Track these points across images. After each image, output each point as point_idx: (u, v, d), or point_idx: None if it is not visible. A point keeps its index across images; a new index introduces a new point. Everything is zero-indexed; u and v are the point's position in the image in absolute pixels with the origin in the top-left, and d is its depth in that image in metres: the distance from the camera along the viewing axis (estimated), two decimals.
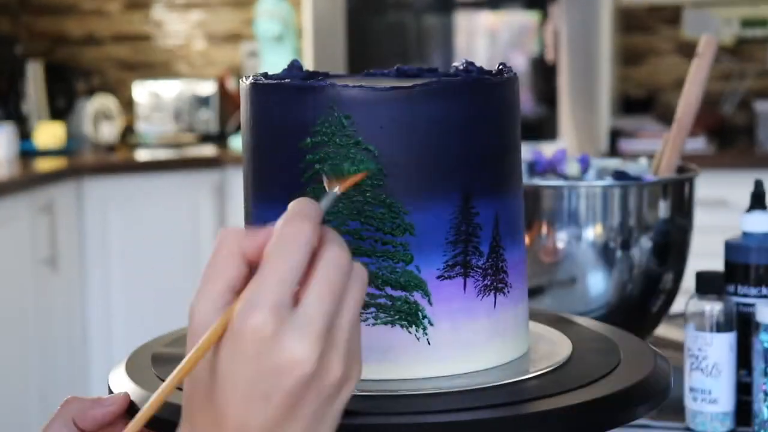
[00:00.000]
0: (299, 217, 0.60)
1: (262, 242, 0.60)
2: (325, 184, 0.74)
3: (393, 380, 0.76)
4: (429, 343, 0.76)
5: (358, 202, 0.75)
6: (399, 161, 0.75)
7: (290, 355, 0.57)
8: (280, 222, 0.60)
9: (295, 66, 0.83)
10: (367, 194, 0.75)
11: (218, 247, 0.61)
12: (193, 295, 0.60)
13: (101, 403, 0.78)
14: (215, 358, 0.59)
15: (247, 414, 0.58)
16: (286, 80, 0.78)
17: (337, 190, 0.73)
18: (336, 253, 0.60)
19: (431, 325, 0.76)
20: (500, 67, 0.82)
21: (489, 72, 0.82)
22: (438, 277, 0.76)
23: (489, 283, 0.78)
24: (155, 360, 0.83)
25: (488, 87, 0.77)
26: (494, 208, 0.78)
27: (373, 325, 0.76)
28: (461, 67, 0.83)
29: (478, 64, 0.83)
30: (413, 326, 0.76)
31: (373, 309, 0.76)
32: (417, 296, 0.76)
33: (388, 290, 0.75)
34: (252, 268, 0.61)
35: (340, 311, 0.60)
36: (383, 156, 0.74)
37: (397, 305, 0.75)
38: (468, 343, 0.77)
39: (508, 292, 0.79)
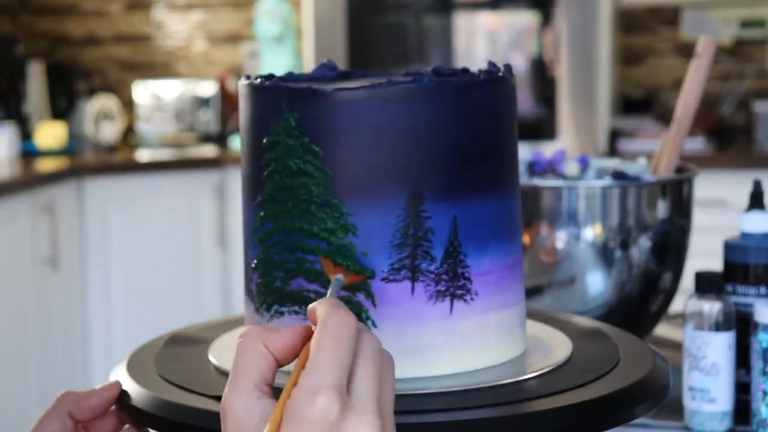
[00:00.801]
0: (342, 308, 0.63)
1: (284, 339, 0.64)
2: (326, 269, 0.76)
3: None
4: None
5: (305, 202, 0.76)
6: (344, 162, 0.75)
7: None
8: (321, 313, 0.63)
9: (328, 66, 0.84)
10: (313, 194, 0.75)
11: (243, 344, 0.64)
12: (225, 390, 0.63)
13: (95, 392, 0.79)
14: None
15: None
16: (256, 81, 0.80)
17: (342, 278, 0.74)
18: (372, 341, 0.63)
19: (375, 327, 0.76)
20: (488, 67, 0.82)
21: (461, 72, 0.82)
22: (383, 279, 0.76)
23: (443, 288, 0.77)
24: (156, 359, 0.84)
25: (439, 91, 0.76)
26: (452, 213, 0.77)
27: None
28: (483, 69, 0.82)
29: (477, 65, 0.83)
30: None
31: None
32: (360, 297, 0.76)
33: None
34: (277, 362, 0.64)
35: (383, 393, 0.62)
36: (328, 157, 0.75)
37: None
38: (416, 348, 0.77)
39: (471, 299, 0.78)
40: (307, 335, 0.64)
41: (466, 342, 0.78)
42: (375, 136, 0.75)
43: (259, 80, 0.80)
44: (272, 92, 0.77)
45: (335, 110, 0.75)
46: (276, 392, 0.63)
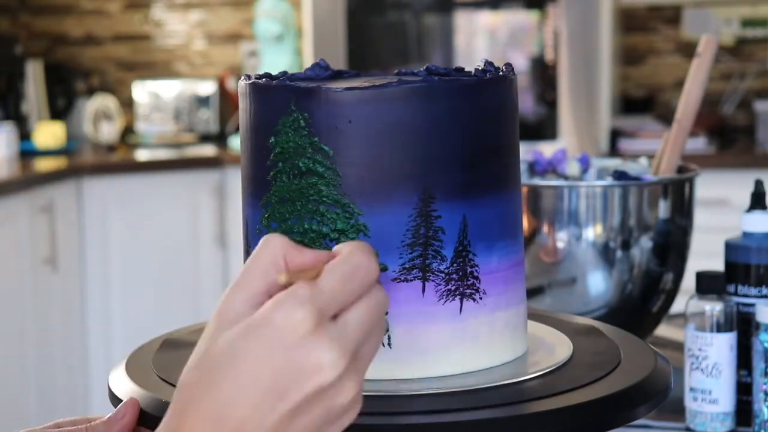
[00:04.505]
0: (371, 253, 0.61)
1: (306, 259, 0.61)
2: None
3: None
4: (383, 344, 0.76)
5: (314, 202, 0.75)
6: (354, 162, 0.75)
7: (317, 359, 0.58)
8: (350, 248, 0.61)
9: (321, 65, 0.84)
10: (323, 194, 0.75)
11: (263, 249, 0.61)
12: (229, 287, 0.60)
13: (113, 419, 0.75)
14: (239, 343, 0.58)
15: (254, 410, 0.57)
16: (261, 80, 0.79)
17: None
18: (384, 296, 0.61)
19: (386, 328, 0.76)
20: (483, 66, 0.81)
21: (454, 71, 0.82)
22: (393, 279, 0.75)
23: (453, 288, 0.77)
24: (155, 360, 0.83)
25: (449, 90, 0.76)
26: (461, 212, 0.77)
27: None
28: (480, 68, 0.82)
29: (477, 64, 0.82)
30: None
31: None
32: None
33: None
34: (290, 283, 0.61)
35: (367, 343, 0.60)
36: (338, 156, 0.75)
37: None
38: (427, 347, 0.77)
39: (480, 298, 0.78)
40: (329, 259, 0.62)
41: (475, 341, 0.78)
42: (386, 136, 0.75)
43: (264, 79, 0.80)
44: (279, 92, 0.77)
45: (345, 109, 0.75)
46: None
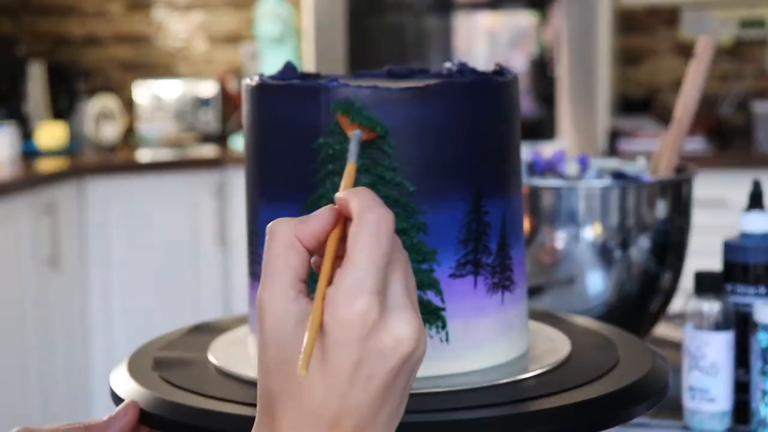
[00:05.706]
0: (379, 203, 0.61)
1: (317, 228, 0.61)
2: (342, 125, 0.73)
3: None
4: (441, 341, 0.77)
5: None
6: (413, 161, 0.75)
7: (396, 335, 0.59)
8: (359, 209, 0.60)
9: (289, 67, 0.83)
10: (382, 194, 0.74)
11: (273, 239, 0.61)
12: (259, 289, 0.60)
13: (115, 418, 0.76)
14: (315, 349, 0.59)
15: (346, 399, 0.59)
16: (295, 81, 0.79)
17: (360, 133, 0.72)
18: (398, 239, 0.62)
19: (445, 324, 0.77)
20: (497, 67, 0.83)
21: (490, 72, 0.83)
22: (450, 276, 0.76)
23: (497, 280, 0.79)
24: (156, 360, 0.84)
25: (496, 87, 0.78)
26: (502, 207, 0.79)
27: None
28: (454, 68, 0.83)
29: (477, 64, 0.84)
30: (427, 324, 0.76)
31: None
32: (430, 295, 0.76)
33: None
34: (309, 253, 0.62)
35: (411, 292, 0.62)
36: (397, 156, 0.75)
37: None
38: (480, 339, 0.78)
39: (514, 289, 0.80)
40: (336, 219, 0.62)
41: (513, 330, 0.81)
42: (442, 133, 0.75)
43: (298, 80, 0.79)
44: (329, 92, 0.75)
45: (404, 108, 0.75)
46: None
